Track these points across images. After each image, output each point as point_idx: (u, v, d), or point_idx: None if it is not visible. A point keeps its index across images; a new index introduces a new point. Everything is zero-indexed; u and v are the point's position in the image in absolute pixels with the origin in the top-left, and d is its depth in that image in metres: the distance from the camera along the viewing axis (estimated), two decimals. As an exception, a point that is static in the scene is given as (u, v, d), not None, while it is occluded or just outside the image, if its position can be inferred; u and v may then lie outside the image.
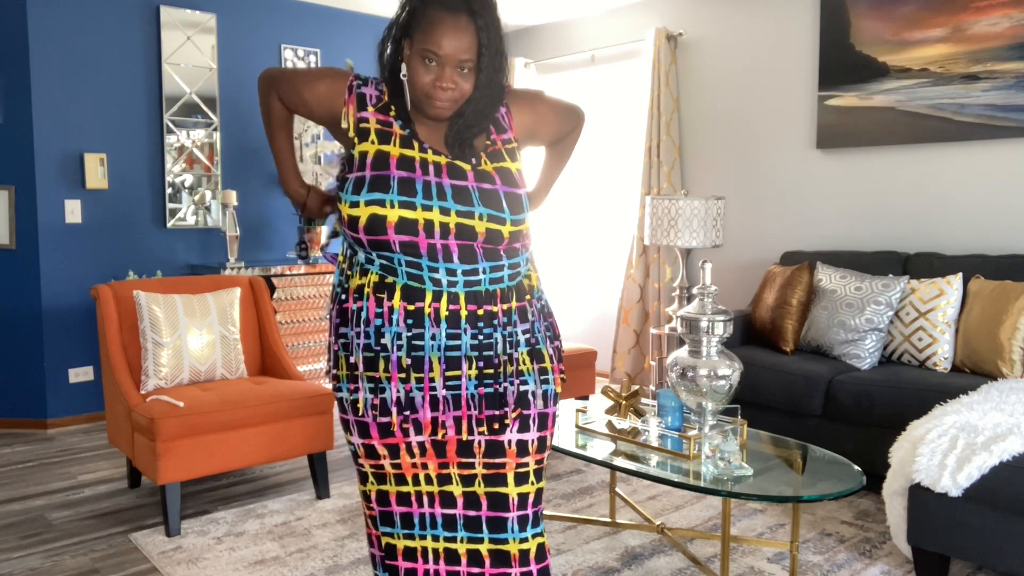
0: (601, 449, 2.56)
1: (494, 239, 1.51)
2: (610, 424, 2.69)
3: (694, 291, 2.57)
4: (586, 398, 4.12)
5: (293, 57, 5.16)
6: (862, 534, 2.96)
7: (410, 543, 1.60)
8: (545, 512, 2.97)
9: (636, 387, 3.77)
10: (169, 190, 4.68)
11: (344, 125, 1.57)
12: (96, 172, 4.40)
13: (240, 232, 4.84)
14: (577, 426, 2.77)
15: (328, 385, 1.60)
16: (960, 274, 3.49)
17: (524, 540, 1.56)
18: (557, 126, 1.74)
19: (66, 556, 2.78)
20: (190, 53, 4.71)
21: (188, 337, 3.25)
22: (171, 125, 4.67)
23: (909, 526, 2.44)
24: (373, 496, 1.62)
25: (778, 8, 4.50)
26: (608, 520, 2.97)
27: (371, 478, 1.61)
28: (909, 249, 3.98)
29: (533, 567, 1.57)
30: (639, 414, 2.71)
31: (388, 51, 1.54)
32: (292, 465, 3.75)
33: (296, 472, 3.65)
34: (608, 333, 5.44)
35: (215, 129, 4.84)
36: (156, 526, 3.01)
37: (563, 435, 2.71)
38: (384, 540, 1.63)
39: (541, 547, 1.60)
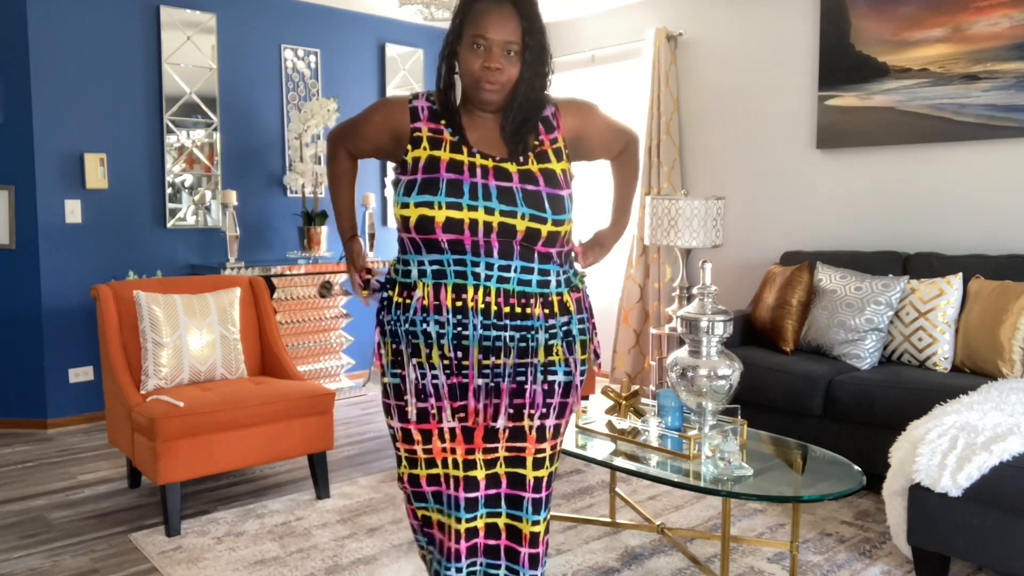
0: (601, 449, 2.56)
1: (532, 237, 1.63)
2: (610, 424, 2.69)
3: (694, 291, 2.57)
4: (586, 398, 4.10)
5: (293, 57, 5.16)
6: (862, 534, 2.96)
7: (443, 518, 1.75)
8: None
9: (636, 387, 3.76)
10: (169, 190, 4.68)
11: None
12: (96, 172, 4.40)
13: (240, 232, 4.84)
14: (577, 426, 2.77)
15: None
16: (960, 274, 3.49)
17: (536, 523, 1.71)
18: (602, 136, 1.84)
19: (66, 556, 2.78)
20: (190, 53, 4.71)
21: (188, 337, 3.25)
22: (171, 125, 4.67)
23: (909, 526, 2.44)
24: (406, 478, 1.77)
25: (778, 8, 4.50)
26: (608, 520, 2.97)
27: (404, 462, 1.76)
28: (909, 249, 3.97)
29: (541, 548, 1.74)
30: (639, 414, 2.71)
31: (444, 56, 1.68)
32: (292, 465, 3.75)
33: (296, 472, 3.65)
34: (608, 333, 5.44)
35: (215, 129, 4.84)
36: (156, 526, 3.01)
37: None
38: (420, 512, 1.79)
39: (546, 528, 1.75)
